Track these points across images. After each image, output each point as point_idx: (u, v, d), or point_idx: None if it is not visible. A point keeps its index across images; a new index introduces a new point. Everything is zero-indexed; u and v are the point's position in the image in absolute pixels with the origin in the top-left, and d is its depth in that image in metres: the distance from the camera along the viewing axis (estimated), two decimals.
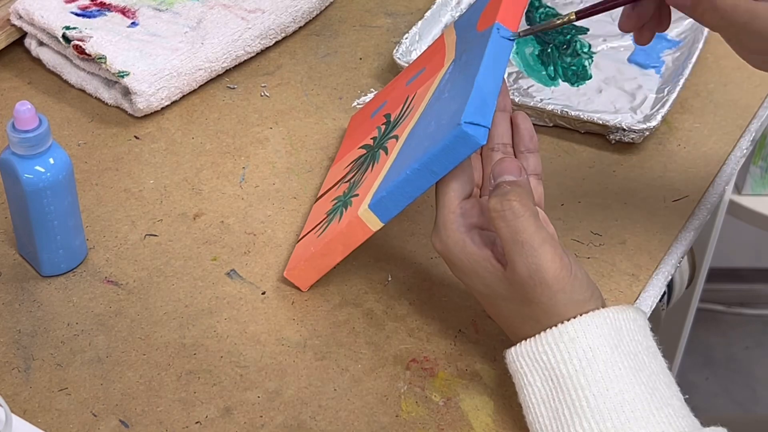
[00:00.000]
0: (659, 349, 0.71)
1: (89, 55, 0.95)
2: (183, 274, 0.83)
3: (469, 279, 0.73)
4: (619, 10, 0.78)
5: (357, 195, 0.79)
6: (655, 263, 0.84)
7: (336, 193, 0.83)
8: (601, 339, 0.68)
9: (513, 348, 0.71)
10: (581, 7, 1.07)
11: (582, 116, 0.93)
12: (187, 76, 0.96)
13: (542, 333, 0.69)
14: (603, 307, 0.71)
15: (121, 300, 0.81)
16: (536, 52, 1.02)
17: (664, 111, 0.93)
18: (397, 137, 0.81)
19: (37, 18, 0.97)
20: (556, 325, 0.69)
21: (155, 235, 0.86)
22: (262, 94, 0.99)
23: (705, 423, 0.69)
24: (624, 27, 0.77)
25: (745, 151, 0.95)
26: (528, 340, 0.70)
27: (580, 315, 0.69)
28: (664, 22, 0.77)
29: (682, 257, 0.86)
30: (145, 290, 0.82)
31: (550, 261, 0.69)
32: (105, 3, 1.01)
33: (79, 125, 0.95)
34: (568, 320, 0.69)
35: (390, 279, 0.83)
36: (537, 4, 1.07)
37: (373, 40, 1.05)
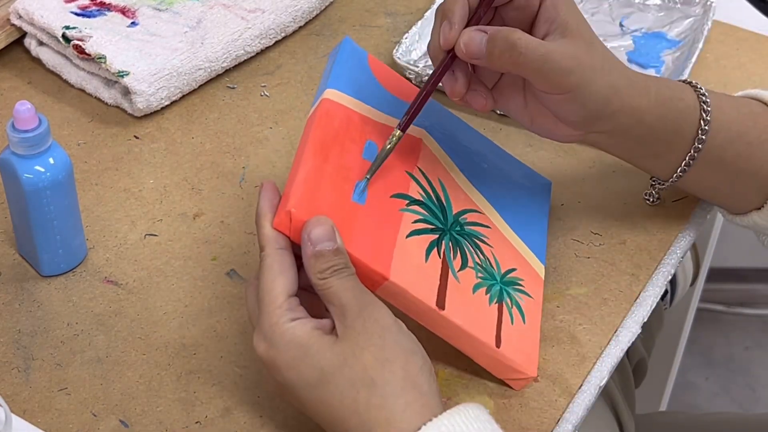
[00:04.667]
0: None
1: (89, 55, 0.95)
2: (183, 274, 0.83)
3: (297, 374, 0.67)
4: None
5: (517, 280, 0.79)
6: (655, 263, 0.84)
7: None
8: None
9: None
10: (579, 6, 1.07)
11: None
12: (186, 76, 0.96)
13: None
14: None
15: (120, 300, 0.81)
16: None
17: None
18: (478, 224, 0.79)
19: (36, 18, 0.97)
20: None
21: (155, 235, 0.86)
22: (262, 94, 0.99)
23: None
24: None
25: None
26: None
27: None
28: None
29: (682, 257, 0.86)
30: (145, 290, 0.82)
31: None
32: (105, 3, 1.01)
33: (79, 125, 0.95)
34: None
35: None
36: None
37: (373, 40, 1.05)
